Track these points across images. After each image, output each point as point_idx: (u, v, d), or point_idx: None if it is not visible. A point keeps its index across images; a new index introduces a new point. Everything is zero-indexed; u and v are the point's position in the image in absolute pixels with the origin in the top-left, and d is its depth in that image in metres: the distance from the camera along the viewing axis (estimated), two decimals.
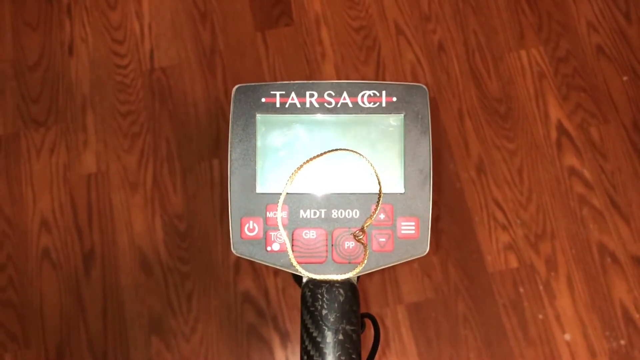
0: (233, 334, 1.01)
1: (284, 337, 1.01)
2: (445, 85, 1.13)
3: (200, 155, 1.08)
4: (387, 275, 1.03)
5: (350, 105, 0.43)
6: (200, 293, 1.02)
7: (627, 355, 1.00)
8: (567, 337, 1.01)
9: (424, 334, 1.01)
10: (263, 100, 0.42)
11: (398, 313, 1.01)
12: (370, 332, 0.48)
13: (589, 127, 1.10)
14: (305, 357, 0.41)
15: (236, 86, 0.43)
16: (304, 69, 1.13)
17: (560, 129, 1.10)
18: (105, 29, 1.15)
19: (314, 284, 0.42)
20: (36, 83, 1.12)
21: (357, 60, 1.14)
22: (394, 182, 0.42)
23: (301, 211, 0.42)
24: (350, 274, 0.42)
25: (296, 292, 1.02)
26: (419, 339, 1.01)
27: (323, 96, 0.43)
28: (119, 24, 1.16)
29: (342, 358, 0.40)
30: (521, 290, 1.02)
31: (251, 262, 1.03)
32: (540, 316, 1.01)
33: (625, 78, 1.13)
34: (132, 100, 1.11)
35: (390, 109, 0.43)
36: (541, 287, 1.02)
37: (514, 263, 1.03)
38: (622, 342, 1.00)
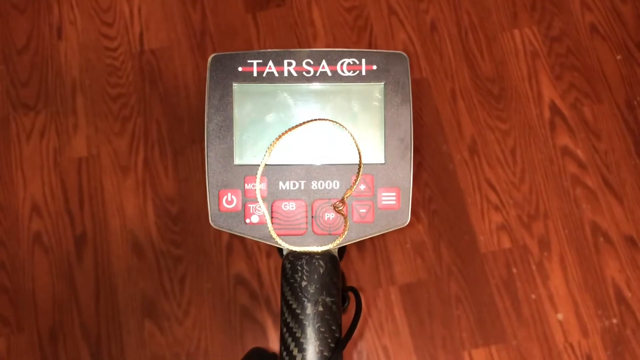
0: (226, 317, 1.01)
1: (277, 319, 1.01)
2: (437, 65, 1.11)
3: (192, 137, 1.08)
4: (380, 256, 1.02)
5: (330, 73, 0.42)
6: (192, 276, 1.02)
7: (619, 333, 1.00)
8: (560, 316, 1.00)
9: (417, 314, 1.01)
10: (240, 69, 0.42)
11: (391, 294, 1.01)
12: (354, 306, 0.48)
13: (582, 107, 1.09)
14: (285, 329, 0.40)
15: (212, 55, 0.42)
16: None
17: (554, 108, 1.09)
18: (94, 12, 1.14)
19: (294, 255, 0.42)
20: (25, 67, 1.11)
21: (349, 41, 1.13)
22: (375, 152, 0.42)
23: (280, 183, 0.42)
24: (330, 246, 0.42)
25: None
26: (412, 319, 1.01)
27: (301, 65, 0.42)
28: (108, 6, 1.14)
29: (322, 330, 0.40)
30: (514, 270, 1.02)
31: (243, 245, 1.02)
32: (533, 296, 1.01)
33: (619, 57, 1.12)
34: (122, 83, 1.10)
35: (370, 77, 0.42)
36: (534, 267, 1.02)
37: (506, 243, 1.03)
38: (614, 320, 1.00)
